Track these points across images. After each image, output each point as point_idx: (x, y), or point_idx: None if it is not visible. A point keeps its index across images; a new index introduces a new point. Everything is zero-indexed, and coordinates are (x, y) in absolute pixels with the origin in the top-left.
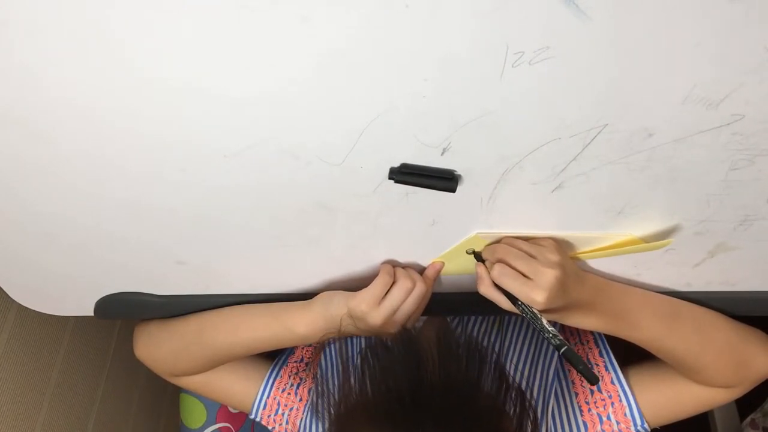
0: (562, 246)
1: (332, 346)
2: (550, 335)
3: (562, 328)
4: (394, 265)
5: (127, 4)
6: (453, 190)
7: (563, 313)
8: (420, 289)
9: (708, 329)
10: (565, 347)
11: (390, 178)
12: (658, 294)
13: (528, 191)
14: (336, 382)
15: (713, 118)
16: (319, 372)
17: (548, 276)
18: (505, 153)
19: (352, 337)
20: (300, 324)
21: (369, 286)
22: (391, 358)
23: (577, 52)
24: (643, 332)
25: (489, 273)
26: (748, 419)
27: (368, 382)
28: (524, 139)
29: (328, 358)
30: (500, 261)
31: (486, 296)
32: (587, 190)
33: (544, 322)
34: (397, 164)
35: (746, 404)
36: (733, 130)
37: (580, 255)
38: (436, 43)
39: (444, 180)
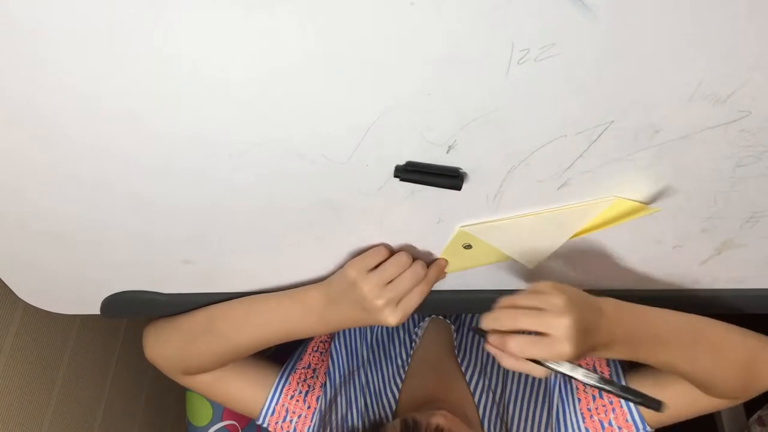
0: (561, 285)
1: (339, 354)
2: (596, 382)
3: None
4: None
5: (135, 4)
6: (459, 188)
7: (589, 353)
8: (417, 267)
9: (724, 352)
10: (621, 386)
11: (395, 176)
12: (677, 314)
13: (534, 188)
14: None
15: (720, 115)
16: (327, 381)
17: (563, 324)
18: (510, 150)
19: (358, 335)
20: (309, 294)
21: (360, 255)
22: None
23: (583, 48)
24: (659, 359)
25: (499, 347)
26: (755, 416)
27: None
28: (530, 136)
29: (336, 362)
30: (511, 332)
31: (515, 370)
32: (593, 187)
33: (580, 376)
34: (402, 162)
35: (753, 400)
36: (740, 126)
37: (577, 235)
38: (442, 40)
39: (449, 178)
